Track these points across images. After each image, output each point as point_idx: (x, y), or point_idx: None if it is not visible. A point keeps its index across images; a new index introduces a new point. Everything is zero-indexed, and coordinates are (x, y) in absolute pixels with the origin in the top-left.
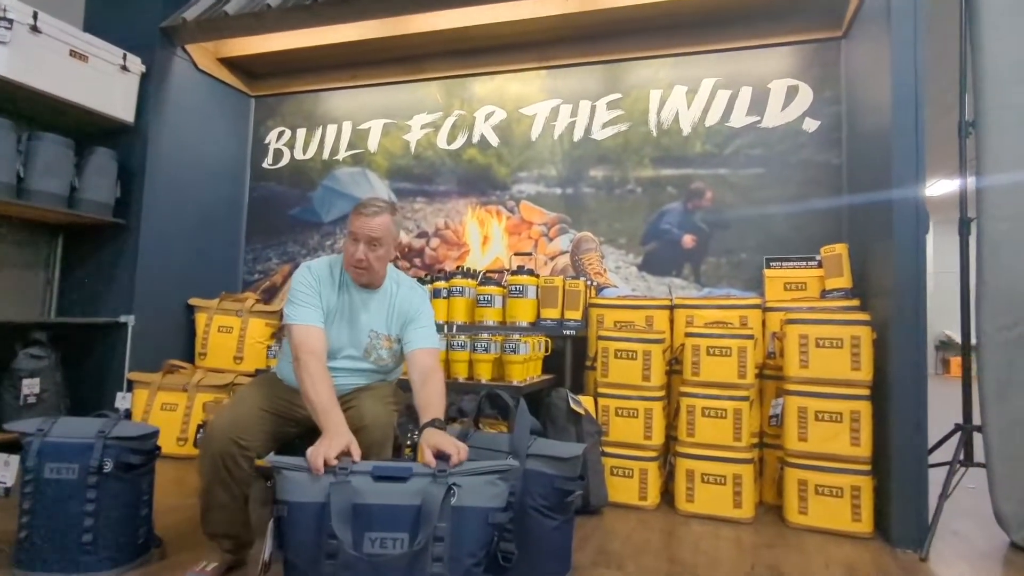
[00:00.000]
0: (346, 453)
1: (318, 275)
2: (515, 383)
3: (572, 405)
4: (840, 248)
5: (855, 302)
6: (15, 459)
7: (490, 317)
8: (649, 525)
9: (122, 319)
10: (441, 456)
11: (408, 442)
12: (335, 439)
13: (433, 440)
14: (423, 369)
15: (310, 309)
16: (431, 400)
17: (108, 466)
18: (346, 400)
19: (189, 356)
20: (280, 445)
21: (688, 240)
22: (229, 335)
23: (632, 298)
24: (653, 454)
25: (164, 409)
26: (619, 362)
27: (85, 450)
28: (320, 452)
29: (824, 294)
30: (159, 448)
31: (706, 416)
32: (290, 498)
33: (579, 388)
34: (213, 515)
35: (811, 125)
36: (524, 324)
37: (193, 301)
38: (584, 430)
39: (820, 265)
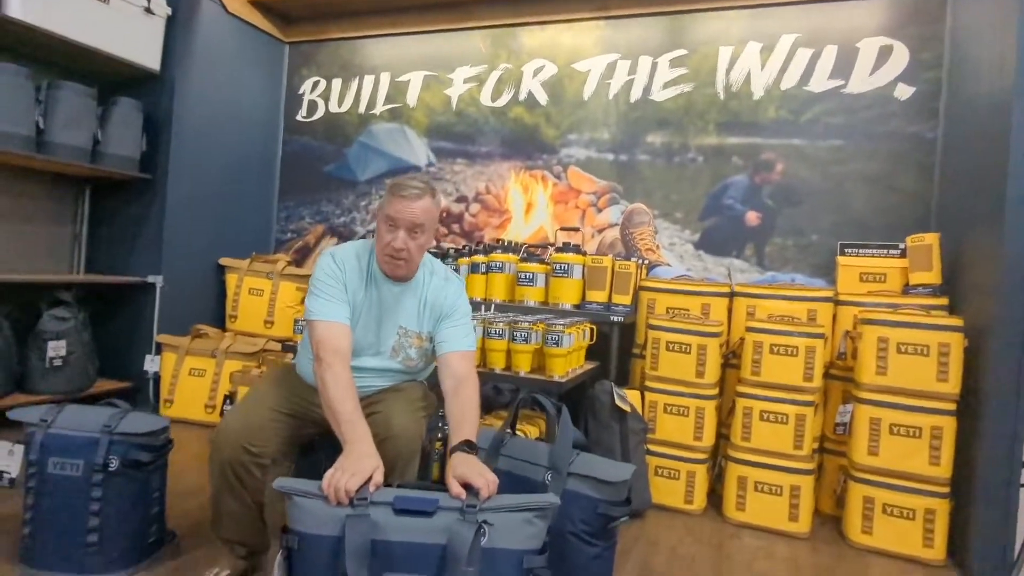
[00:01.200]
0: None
1: (344, 264)
2: (556, 378)
3: (617, 401)
4: (930, 238)
5: (942, 301)
6: (20, 449)
7: (531, 297)
8: (696, 535)
9: (150, 279)
10: (469, 488)
11: (439, 436)
12: (359, 463)
13: (460, 470)
14: (457, 376)
15: (335, 303)
16: (464, 416)
17: (114, 464)
18: (370, 403)
19: (220, 318)
20: (298, 448)
21: (752, 217)
22: (260, 298)
23: (688, 282)
24: (702, 456)
25: (192, 374)
26: (671, 355)
27: (90, 446)
28: (341, 482)
29: (907, 289)
30: (171, 442)
31: (764, 420)
32: (302, 528)
33: (624, 378)
34: (224, 522)
35: (904, 92)
36: (568, 307)
37: (223, 261)
38: (629, 427)
39: (904, 255)
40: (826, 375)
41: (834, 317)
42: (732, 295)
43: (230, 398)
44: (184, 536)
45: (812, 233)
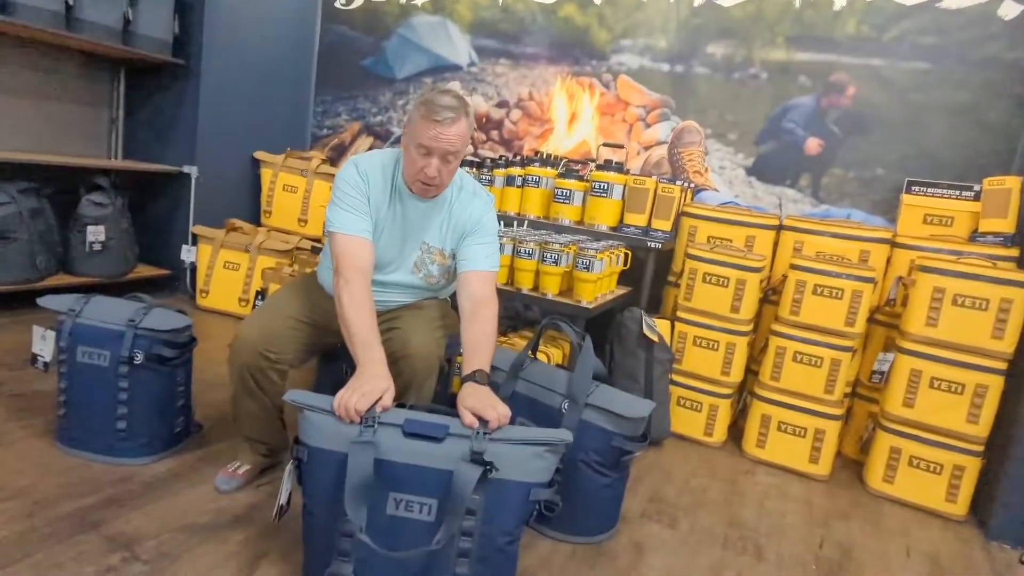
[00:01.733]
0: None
1: (367, 176)
2: (584, 303)
3: (645, 330)
4: (1012, 182)
5: (1013, 252)
6: (51, 335)
7: (567, 216)
8: (711, 467)
9: (185, 169)
10: (481, 421)
11: (460, 351)
12: (370, 384)
13: (471, 402)
14: (475, 298)
15: (357, 216)
16: (479, 343)
17: (139, 358)
18: (389, 320)
19: (254, 213)
20: (320, 355)
21: (813, 144)
22: (294, 195)
23: (734, 210)
24: (728, 391)
25: (227, 268)
26: (707, 287)
27: (116, 338)
28: (351, 402)
29: (974, 236)
30: (194, 340)
31: (797, 362)
32: (311, 442)
33: (655, 305)
34: (244, 422)
35: (1011, 10)
36: (604, 228)
37: (258, 155)
38: (655, 357)
39: (977, 198)
40: (870, 320)
41: (888, 260)
42: (780, 228)
43: (262, 294)
44: (211, 427)
45: (877, 166)
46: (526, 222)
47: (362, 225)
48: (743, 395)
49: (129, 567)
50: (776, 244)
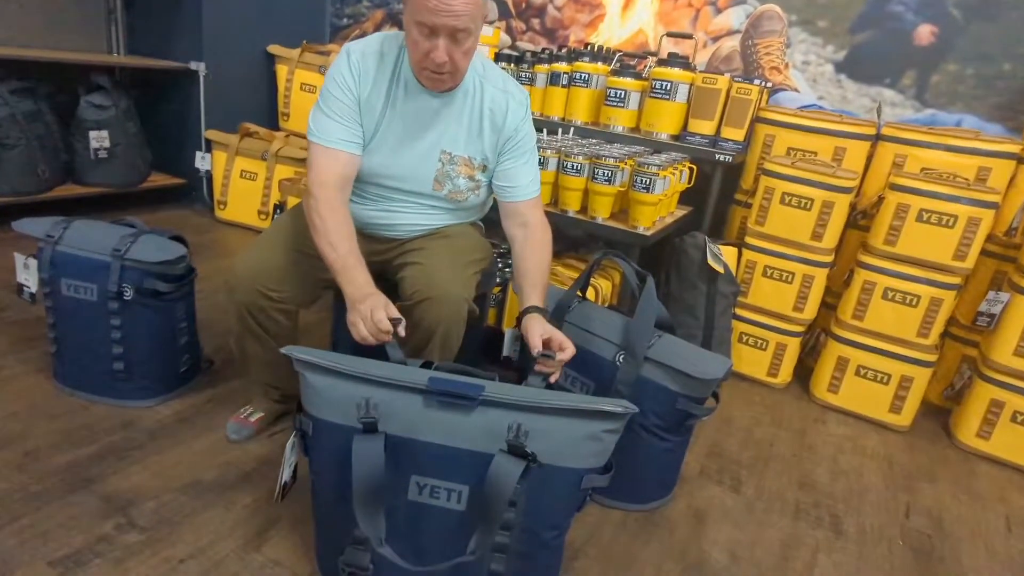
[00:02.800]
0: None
1: (360, 68)
2: (640, 229)
3: (710, 260)
4: None
5: None
6: (34, 263)
7: (621, 121)
8: (776, 414)
9: (192, 66)
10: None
11: (498, 280)
12: (365, 303)
13: (543, 327)
14: (528, 224)
15: (339, 124)
16: (536, 276)
17: (128, 293)
18: (404, 252)
19: (271, 115)
20: (334, 294)
21: (925, 32)
22: (313, 95)
23: (821, 116)
24: (799, 329)
25: (243, 177)
26: (785, 210)
27: (101, 270)
28: (365, 331)
29: None
30: (193, 270)
31: (888, 299)
32: (316, 412)
33: (719, 228)
34: (253, 367)
35: None
36: (664, 137)
37: (272, 49)
38: (718, 290)
39: None
40: (983, 252)
41: (1012, 180)
42: (877, 138)
43: (280, 207)
44: (223, 363)
45: (1005, 61)
46: (572, 129)
47: (342, 134)
48: (815, 333)
49: (123, 536)
50: (871, 157)
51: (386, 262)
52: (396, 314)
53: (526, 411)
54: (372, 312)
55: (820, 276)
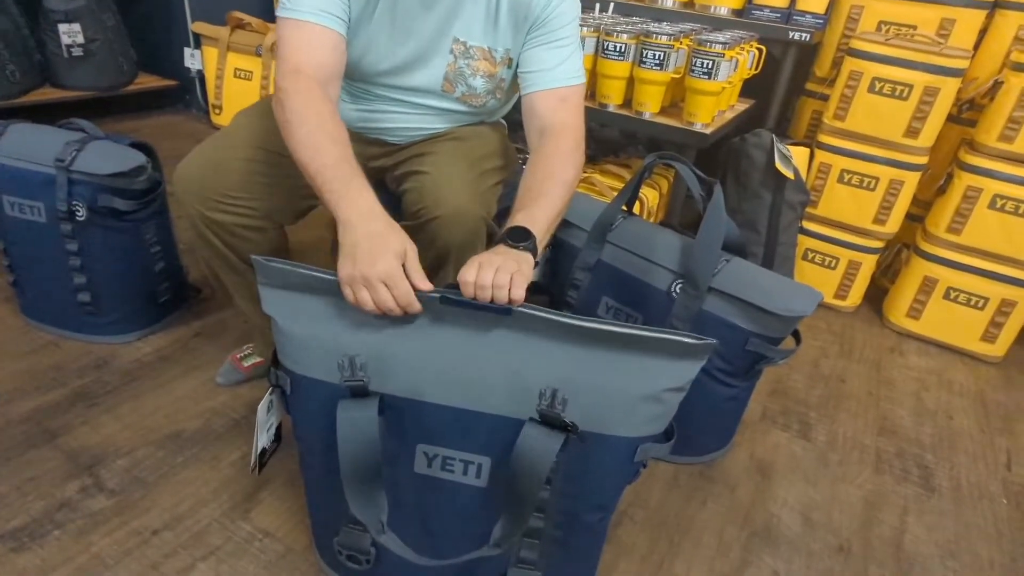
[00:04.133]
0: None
1: None
2: (698, 126)
3: (778, 163)
4: None
5: None
6: None
7: None
8: (846, 344)
9: None
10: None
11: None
12: (375, 248)
13: (481, 259)
14: (547, 128)
15: None
16: (539, 189)
17: (81, 212)
18: (408, 159)
19: (266, 4)
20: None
21: None
22: None
23: None
24: (878, 245)
25: (238, 76)
26: (875, 99)
27: (45, 185)
28: (356, 283)
29: None
30: (159, 183)
31: (996, 209)
32: (295, 367)
33: (786, 124)
34: (240, 303)
35: None
36: (724, 11)
37: None
38: (785, 199)
39: None
40: None
41: None
42: (995, 5)
43: None
44: (214, 292)
45: None
46: (612, 5)
47: (324, 3)
48: (895, 249)
49: (88, 501)
50: (984, 31)
51: (382, 169)
52: (419, 279)
53: (565, 341)
54: (390, 276)
55: (911, 182)
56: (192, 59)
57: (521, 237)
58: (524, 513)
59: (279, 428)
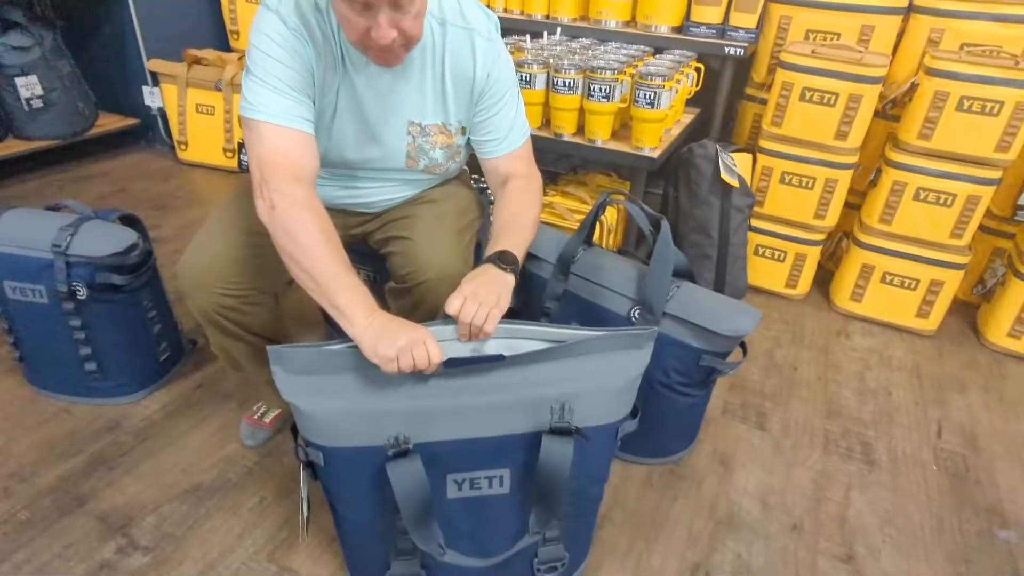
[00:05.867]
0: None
1: (301, 28)
2: (646, 151)
3: (723, 173)
4: None
5: None
6: None
7: (614, 14)
8: (796, 331)
9: None
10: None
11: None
12: (402, 324)
13: (469, 287)
14: (512, 177)
15: (288, 98)
16: (510, 222)
17: (82, 292)
18: (387, 221)
19: (220, 34)
20: None
21: None
22: None
23: None
24: (820, 237)
25: (200, 112)
26: (806, 107)
27: (44, 269)
28: (403, 352)
29: None
30: (150, 254)
31: (920, 200)
32: (327, 443)
33: (730, 127)
34: (245, 367)
35: None
36: (664, 29)
37: None
38: (733, 204)
39: None
40: None
41: None
42: (909, 10)
43: (244, 147)
44: (208, 342)
45: None
46: (558, 29)
47: (297, 110)
48: (837, 238)
49: (127, 560)
50: (901, 35)
51: (365, 235)
52: (436, 354)
53: (555, 359)
54: (425, 338)
55: (844, 179)
56: (152, 97)
57: (508, 260)
58: (555, 506)
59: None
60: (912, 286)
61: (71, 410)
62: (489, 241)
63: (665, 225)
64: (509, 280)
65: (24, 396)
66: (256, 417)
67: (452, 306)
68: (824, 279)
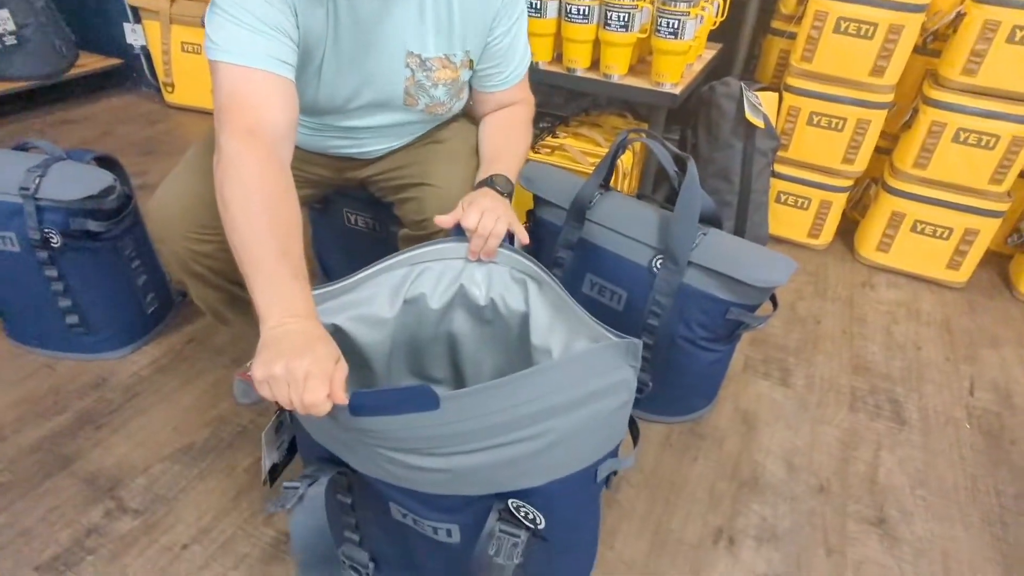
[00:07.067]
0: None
1: None
2: (667, 86)
3: (748, 113)
4: None
5: None
6: None
7: None
8: (821, 284)
9: None
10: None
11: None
12: (302, 355)
13: (484, 202)
14: (508, 103)
15: (262, 35)
16: (505, 147)
17: (56, 240)
18: (393, 168)
19: None
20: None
21: None
22: None
23: None
24: (847, 184)
25: (186, 51)
26: (840, 39)
27: (14, 215)
28: (277, 390)
29: None
30: (129, 198)
31: (960, 142)
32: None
33: (753, 65)
34: (231, 322)
35: None
36: None
37: None
38: (756, 147)
39: None
40: None
41: None
42: None
43: None
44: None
45: None
46: None
47: (269, 48)
48: (865, 184)
49: (115, 524)
50: None
51: (362, 181)
52: (340, 381)
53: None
54: (309, 377)
55: (877, 120)
56: (134, 35)
57: (504, 185)
58: None
59: (292, 440)
60: (944, 235)
61: (54, 365)
62: (482, 162)
63: (692, 165)
64: (508, 205)
65: (4, 350)
66: (250, 374)
67: (470, 219)
68: (847, 229)
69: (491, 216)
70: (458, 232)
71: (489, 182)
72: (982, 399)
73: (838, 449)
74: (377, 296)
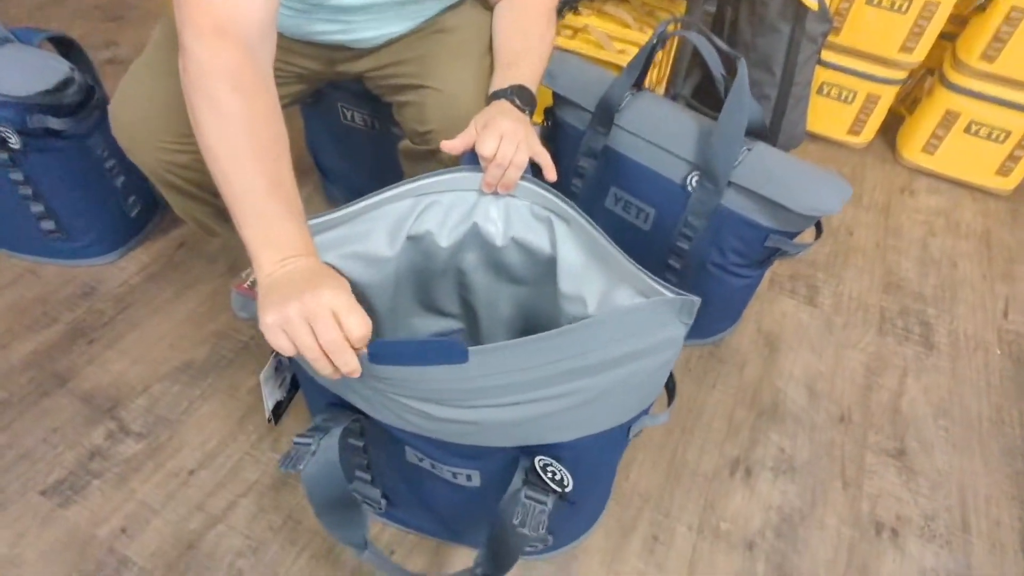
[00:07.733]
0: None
1: None
2: None
3: None
4: None
5: None
6: None
7: None
8: (857, 191)
9: None
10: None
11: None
12: (320, 276)
13: (503, 123)
14: (522, 5)
15: None
16: (528, 49)
17: (14, 140)
18: (393, 63)
19: None
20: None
21: None
22: None
23: None
24: (901, 76)
25: None
26: None
27: None
28: (297, 340)
29: None
30: (92, 92)
31: None
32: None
33: None
34: (218, 232)
35: None
36: None
37: None
38: (806, 32)
39: None
40: None
41: None
42: None
43: None
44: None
45: None
46: None
47: None
48: (920, 76)
49: (119, 447)
50: None
51: (358, 74)
52: (360, 328)
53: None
54: (338, 310)
55: (948, 1)
56: None
57: (527, 100)
58: (503, 568)
59: (294, 377)
60: (1001, 138)
61: (38, 271)
62: (497, 64)
63: (743, 67)
64: (531, 127)
65: None
66: (247, 286)
67: (487, 146)
68: (890, 126)
69: (511, 142)
70: (470, 158)
71: (508, 94)
72: (1015, 322)
73: (862, 375)
74: (374, 231)
